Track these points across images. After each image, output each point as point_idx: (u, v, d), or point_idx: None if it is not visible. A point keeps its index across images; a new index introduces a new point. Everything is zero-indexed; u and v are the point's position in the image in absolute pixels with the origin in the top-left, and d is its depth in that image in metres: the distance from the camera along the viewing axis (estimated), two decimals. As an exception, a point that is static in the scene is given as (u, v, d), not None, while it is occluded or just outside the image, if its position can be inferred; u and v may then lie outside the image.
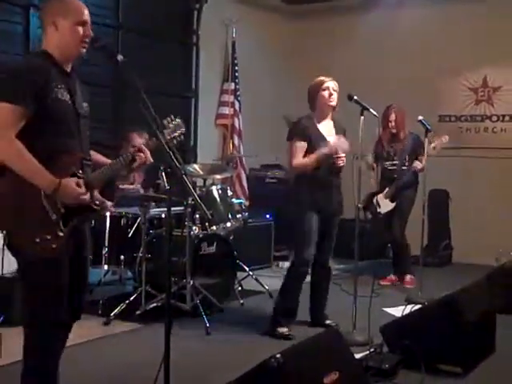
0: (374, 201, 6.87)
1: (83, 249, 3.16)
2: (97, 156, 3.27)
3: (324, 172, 4.92)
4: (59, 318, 2.97)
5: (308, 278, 5.19)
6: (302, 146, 4.92)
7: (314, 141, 4.93)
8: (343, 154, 4.87)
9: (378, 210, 6.87)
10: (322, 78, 5.02)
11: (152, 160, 3.12)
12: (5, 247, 2.94)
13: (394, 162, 6.82)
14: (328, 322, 5.17)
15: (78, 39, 2.96)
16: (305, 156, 4.92)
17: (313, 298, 5.27)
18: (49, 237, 2.86)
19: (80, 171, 2.99)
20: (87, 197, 2.97)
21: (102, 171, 3.12)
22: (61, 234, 2.90)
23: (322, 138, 4.97)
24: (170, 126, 3.35)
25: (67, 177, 2.92)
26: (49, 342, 2.97)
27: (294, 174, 5.08)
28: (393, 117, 6.78)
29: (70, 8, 2.97)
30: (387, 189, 6.79)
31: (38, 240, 2.84)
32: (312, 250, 4.97)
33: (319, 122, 5.03)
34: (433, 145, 6.45)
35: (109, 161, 3.26)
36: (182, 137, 3.36)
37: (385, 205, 6.85)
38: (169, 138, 3.28)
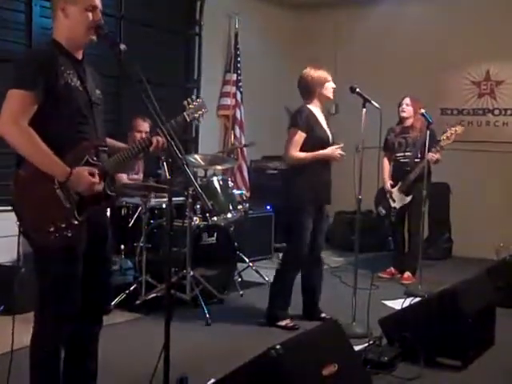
0: (388, 195, 6.82)
1: (103, 244, 3.15)
2: (113, 142, 3.26)
3: (320, 162, 4.95)
4: (69, 310, 2.96)
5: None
6: (302, 136, 4.91)
7: (316, 131, 4.95)
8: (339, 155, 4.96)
9: (393, 204, 6.80)
10: (323, 70, 5.02)
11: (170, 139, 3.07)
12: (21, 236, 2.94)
13: (407, 154, 6.73)
14: (323, 315, 5.16)
15: (87, 25, 2.94)
16: (302, 145, 4.92)
17: (306, 292, 5.23)
18: (63, 225, 2.85)
19: (95, 158, 2.98)
20: (100, 186, 2.96)
21: (118, 156, 3.10)
22: (75, 222, 2.89)
23: (322, 129, 5.01)
24: (191, 106, 3.33)
25: (81, 164, 2.91)
26: (56, 333, 2.97)
27: (290, 163, 5.02)
28: (407, 100, 6.72)
29: None
30: (400, 182, 6.72)
31: (52, 229, 2.83)
32: (307, 241, 4.97)
33: (318, 113, 5.04)
34: (446, 135, 6.40)
35: (125, 146, 3.25)
36: (203, 116, 3.35)
37: (400, 199, 6.77)
38: (191, 117, 3.28)
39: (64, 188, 2.86)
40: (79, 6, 2.93)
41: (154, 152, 3.16)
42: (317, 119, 5.00)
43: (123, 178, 5.82)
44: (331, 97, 5.06)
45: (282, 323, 4.97)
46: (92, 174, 2.92)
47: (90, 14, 2.94)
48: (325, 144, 4.97)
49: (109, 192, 3.04)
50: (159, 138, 3.11)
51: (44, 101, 2.84)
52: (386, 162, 6.91)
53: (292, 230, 5.03)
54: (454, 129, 6.44)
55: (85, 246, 2.97)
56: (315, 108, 5.04)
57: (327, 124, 5.12)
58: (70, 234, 2.86)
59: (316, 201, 4.98)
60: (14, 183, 2.89)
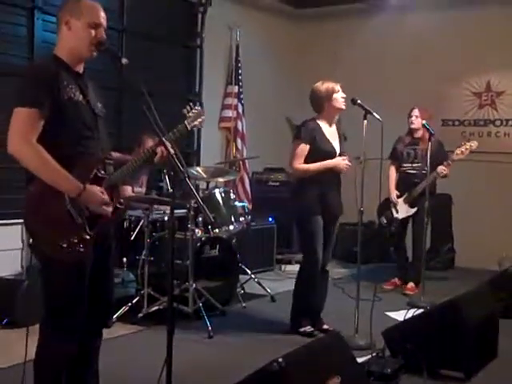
0: (392, 205, 6.73)
1: (107, 256, 3.16)
2: (117, 154, 3.28)
3: (328, 174, 4.97)
4: (75, 323, 2.96)
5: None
6: (305, 148, 4.95)
7: (320, 144, 4.97)
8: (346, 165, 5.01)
9: (396, 215, 6.73)
10: (330, 82, 5.04)
11: (172, 151, 3.06)
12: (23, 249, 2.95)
13: (415, 165, 6.67)
14: (326, 326, 5.15)
15: (89, 41, 2.96)
16: (306, 157, 4.95)
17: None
18: (76, 240, 2.87)
19: (102, 171, 3.00)
20: (110, 208, 2.98)
21: (124, 168, 3.10)
22: (87, 237, 2.90)
23: (328, 142, 5.02)
24: (190, 114, 3.34)
25: (89, 178, 2.93)
26: (62, 346, 2.96)
27: (295, 175, 5.10)
28: (415, 112, 6.65)
29: (83, 9, 2.97)
30: (406, 194, 6.65)
31: (64, 245, 2.85)
32: (321, 251, 5.00)
33: (325, 126, 5.06)
34: (461, 149, 6.35)
35: (130, 157, 3.26)
36: (203, 124, 3.36)
37: (404, 210, 6.69)
38: (191, 126, 3.29)
39: (75, 203, 2.88)
40: (83, 21, 2.96)
41: (158, 162, 3.16)
42: (322, 132, 5.01)
43: (128, 190, 5.83)
44: (342, 107, 5.04)
45: (301, 329, 5.04)
46: (103, 193, 2.94)
47: (93, 31, 2.97)
48: (329, 157, 4.98)
49: (117, 205, 3.05)
50: (163, 149, 3.11)
51: (49, 116, 2.85)
52: (392, 171, 6.84)
53: (305, 240, 5.07)
54: (468, 144, 6.38)
55: (92, 258, 2.98)
56: (323, 121, 5.05)
57: (339, 137, 5.13)
58: (82, 249, 2.88)
59: (324, 212, 4.98)
60: (25, 200, 2.90)
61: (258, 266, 7.16)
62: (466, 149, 6.37)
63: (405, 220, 6.78)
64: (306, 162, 4.96)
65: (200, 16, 7.95)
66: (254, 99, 8.45)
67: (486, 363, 4.36)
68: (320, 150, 4.96)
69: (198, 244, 5.48)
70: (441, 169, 6.35)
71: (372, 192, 5.12)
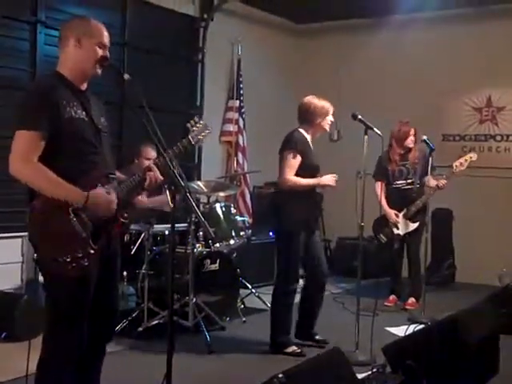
0: (391, 223, 6.61)
1: (113, 271, 3.18)
2: (119, 175, 3.30)
3: (313, 189, 4.97)
4: (78, 337, 2.96)
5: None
6: (298, 160, 4.89)
7: (309, 158, 4.94)
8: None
9: (396, 231, 6.62)
10: (326, 101, 5.03)
11: (162, 178, 3.11)
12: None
13: (409, 181, 6.61)
14: (318, 337, 5.14)
15: (96, 59, 3.04)
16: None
17: (304, 315, 5.18)
18: (80, 254, 2.87)
19: (105, 186, 3.01)
20: (114, 205, 2.98)
21: (128, 184, 3.15)
22: (91, 251, 2.91)
23: (314, 157, 5.00)
24: (194, 129, 3.36)
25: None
26: (64, 361, 2.96)
27: (285, 186, 4.95)
28: (413, 132, 6.60)
29: (93, 29, 3.07)
30: (405, 209, 6.56)
31: (68, 259, 2.85)
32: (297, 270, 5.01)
33: (309, 140, 5.04)
34: (459, 161, 6.34)
35: (124, 177, 3.29)
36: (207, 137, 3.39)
37: (405, 226, 6.61)
38: (195, 140, 3.30)
39: (79, 218, 2.89)
40: (94, 40, 3.05)
41: (148, 187, 3.19)
42: (310, 145, 5.01)
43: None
44: (328, 130, 5.11)
45: (289, 350, 4.95)
46: (108, 193, 2.96)
47: (101, 50, 3.05)
48: (315, 171, 4.97)
49: (122, 219, 3.06)
50: (151, 174, 3.14)
51: (50, 136, 2.88)
52: (380, 188, 6.62)
53: (281, 254, 5.05)
54: (468, 156, 6.39)
55: (96, 272, 2.99)
56: (308, 135, 5.04)
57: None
58: (86, 263, 2.88)
59: (308, 226, 4.96)
60: (29, 215, 2.91)
61: (259, 281, 7.14)
62: (466, 160, 6.36)
63: (404, 235, 6.74)
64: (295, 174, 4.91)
65: (202, 31, 7.98)
66: (255, 113, 8.47)
67: (487, 379, 4.33)
68: (309, 164, 4.93)
69: (199, 258, 5.47)
70: (441, 183, 6.34)
71: (372, 206, 5.13)
